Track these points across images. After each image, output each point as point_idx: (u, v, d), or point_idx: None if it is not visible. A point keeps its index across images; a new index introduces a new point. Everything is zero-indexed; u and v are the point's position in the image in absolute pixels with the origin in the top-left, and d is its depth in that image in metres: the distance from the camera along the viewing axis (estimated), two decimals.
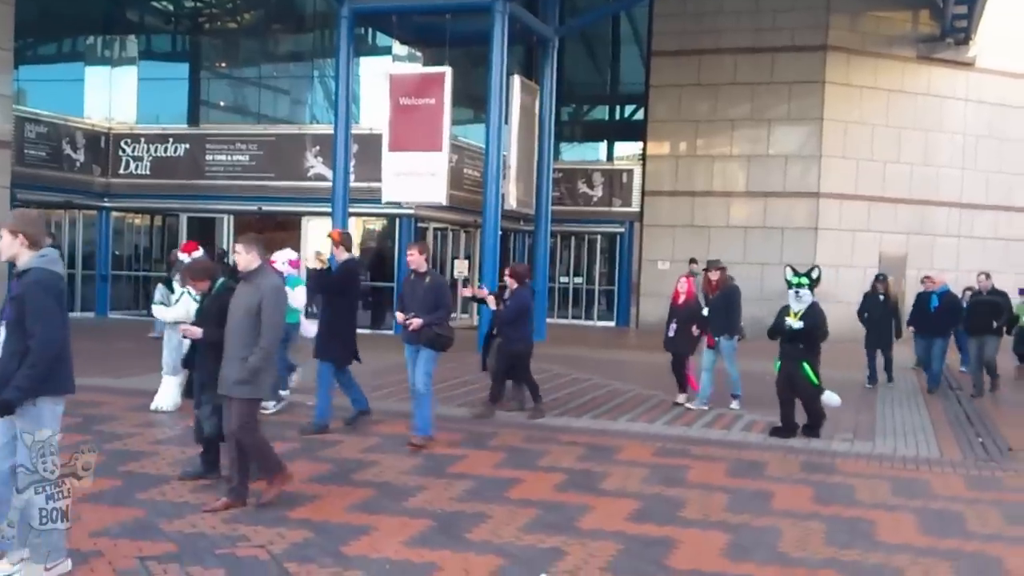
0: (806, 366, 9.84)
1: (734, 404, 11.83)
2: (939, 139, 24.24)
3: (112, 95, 23.50)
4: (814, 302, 9.93)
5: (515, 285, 10.97)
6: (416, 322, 8.95)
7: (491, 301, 11.11)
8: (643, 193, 24.82)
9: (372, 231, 22.05)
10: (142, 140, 22.18)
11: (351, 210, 18.73)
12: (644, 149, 24.98)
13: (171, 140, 22.05)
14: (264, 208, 21.35)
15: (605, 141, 26.93)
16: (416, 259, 9.25)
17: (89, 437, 8.61)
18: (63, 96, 23.01)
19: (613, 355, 17.55)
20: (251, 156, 21.36)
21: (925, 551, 6.22)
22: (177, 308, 9.87)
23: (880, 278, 15.17)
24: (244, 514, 6.54)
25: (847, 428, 10.70)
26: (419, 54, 21.99)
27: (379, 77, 19.44)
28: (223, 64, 24.87)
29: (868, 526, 6.79)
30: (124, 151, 22.18)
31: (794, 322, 9.86)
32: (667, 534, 6.43)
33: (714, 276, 12.00)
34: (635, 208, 24.96)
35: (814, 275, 9.99)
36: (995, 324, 14.01)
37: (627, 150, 26.35)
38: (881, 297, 14.80)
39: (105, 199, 22.09)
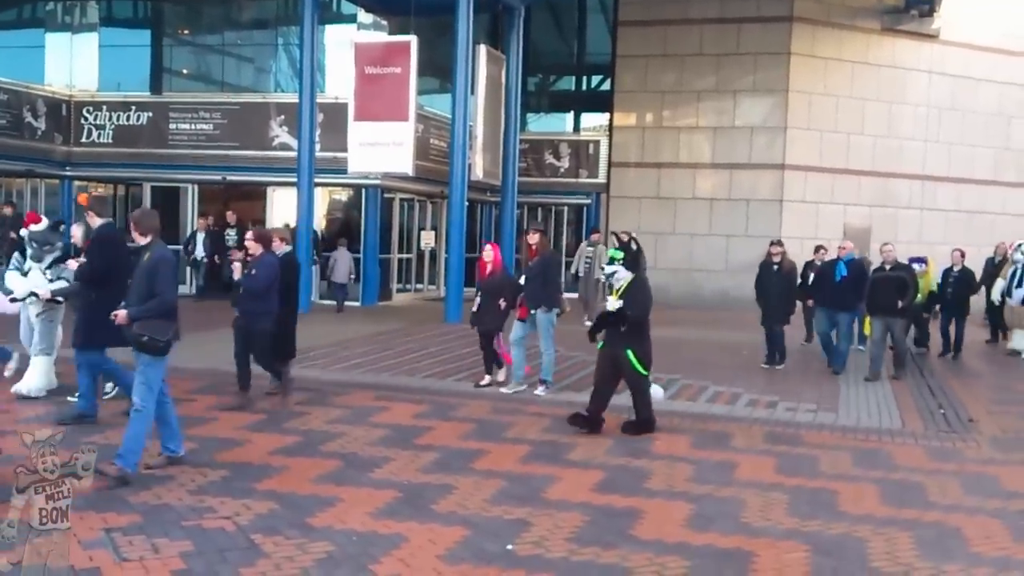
0: (630, 353, 8.60)
1: (540, 390, 10.48)
2: (903, 111, 24.42)
3: (73, 62, 23.03)
4: (636, 279, 8.63)
5: (259, 251, 9.48)
6: (121, 315, 6.79)
7: (236, 269, 9.59)
8: (609, 164, 24.80)
9: (339, 201, 21.88)
10: (104, 108, 21.80)
11: (317, 180, 18.57)
12: (610, 120, 24.94)
13: (133, 108, 21.68)
14: (229, 178, 21.09)
15: (571, 112, 26.81)
16: (133, 230, 7.03)
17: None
18: (23, 63, 22.50)
19: (578, 326, 17.56)
20: (215, 125, 21.08)
21: (886, 521, 6.33)
22: (28, 282, 9.25)
23: (775, 243, 13.53)
24: (211, 485, 6.52)
25: (810, 399, 10.83)
26: (384, 23, 21.73)
27: (344, 46, 19.22)
28: (186, 31, 24.45)
29: (830, 497, 6.89)
30: (86, 119, 21.80)
31: (612, 302, 8.65)
32: (632, 505, 6.49)
33: (532, 239, 10.73)
34: (601, 180, 24.94)
35: (633, 247, 8.70)
36: (900, 304, 12.24)
37: (593, 121, 26.27)
38: (775, 267, 13.14)
39: (67, 168, 21.70)
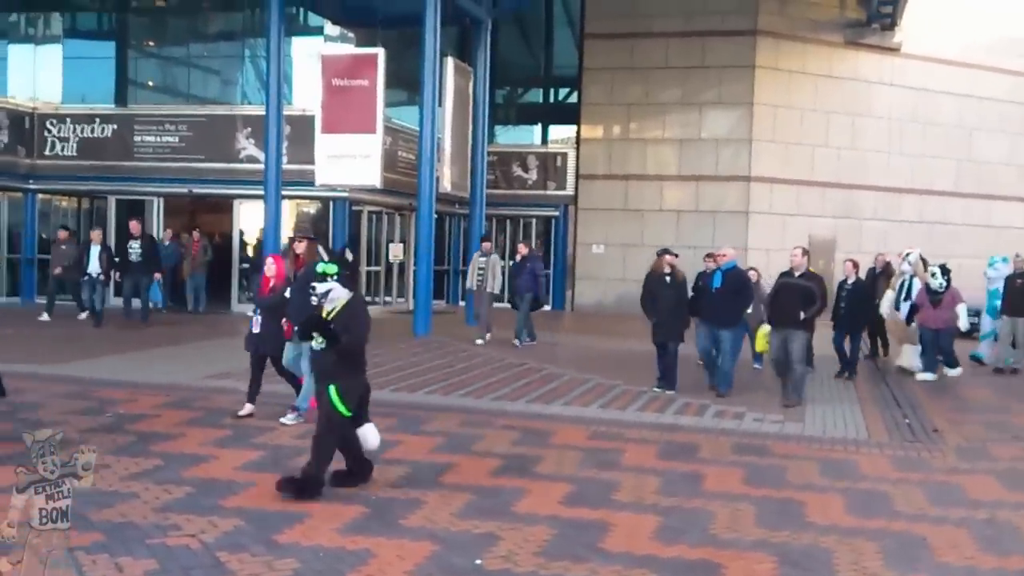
0: (333, 390, 6.80)
1: (288, 418, 9.20)
2: (866, 124, 24.72)
3: (36, 74, 22.78)
4: (352, 299, 6.96)
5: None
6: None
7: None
8: (577, 176, 24.89)
9: (306, 214, 21.78)
10: (68, 120, 21.56)
11: (284, 193, 18.46)
12: (578, 132, 25.04)
13: (98, 120, 21.47)
14: (195, 191, 20.95)
15: (539, 124, 26.89)
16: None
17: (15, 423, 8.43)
18: None
19: (548, 338, 17.60)
20: (181, 137, 20.92)
21: (853, 531, 6.38)
22: None
23: (666, 252, 12.03)
24: (176, 502, 6.45)
25: (777, 410, 10.89)
26: (351, 35, 21.70)
27: (311, 58, 19.17)
28: (151, 43, 24.25)
29: (798, 507, 6.93)
30: (50, 131, 21.55)
31: (316, 344, 6.92)
32: (600, 517, 6.49)
33: (299, 248, 9.72)
34: (569, 191, 25.03)
35: (348, 259, 7.34)
36: (803, 315, 11.05)
37: (561, 133, 26.36)
38: (668, 278, 11.75)
39: (31, 181, 21.44)
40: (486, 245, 17.10)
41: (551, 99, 27.10)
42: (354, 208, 20.56)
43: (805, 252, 11.58)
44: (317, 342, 6.86)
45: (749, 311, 12.38)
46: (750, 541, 6.11)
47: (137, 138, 21.11)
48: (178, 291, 20.22)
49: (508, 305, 18.36)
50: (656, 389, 11.74)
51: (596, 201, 24.59)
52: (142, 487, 6.77)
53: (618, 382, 12.28)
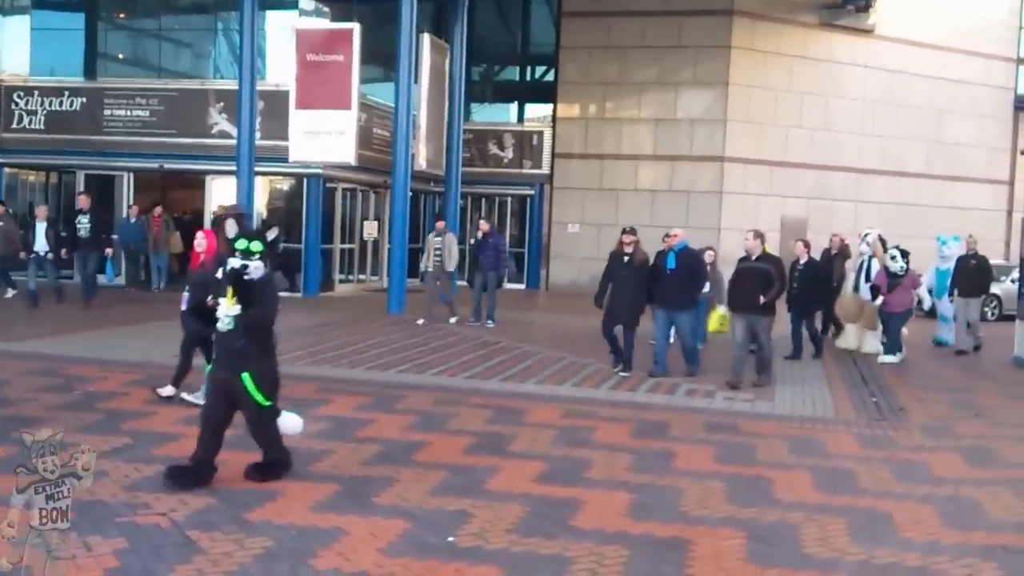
0: (247, 378, 6.41)
1: (193, 396, 8.70)
2: (839, 105, 24.85)
3: (3, 46, 22.45)
4: (266, 276, 6.49)
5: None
6: None
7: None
8: (553, 155, 24.90)
9: (280, 190, 21.65)
10: (36, 93, 21.28)
11: (257, 169, 18.34)
12: (554, 111, 25.03)
13: (67, 94, 21.21)
14: (166, 166, 20.76)
15: (515, 102, 26.83)
16: None
17: None
18: None
19: (523, 317, 17.64)
20: (152, 111, 20.70)
21: (819, 508, 6.46)
22: None
23: (627, 231, 11.72)
24: (146, 481, 6.42)
25: (747, 389, 10.97)
26: (326, 9, 21.52)
27: (285, 32, 19.02)
28: (122, 15, 23.92)
29: (766, 484, 7.01)
30: (17, 104, 21.27)
31: (228, 309, 6.38)
32: (573, 495, 6.53)
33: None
34: (545, 170, 25.03)
35: (270, 237, 6.54)
36: (763, 299, 10.88)
37: (537, 112, 26.33)
38: (626, 258, 11.47)
39: None
40: (440, 224, 16.66)
41: (527, 77, 27.04)
42: (328, 185, 20.46)
43: (758, 235, 11.36)
44: (224, 322, 6.37)
45: (706, 290, 12.37)
46: (719, 518, 6.17)
47: (107, 112, 20.87)
48: (147, 268, 20.04)
49: (467, 284, 18.02)
50: (615, 369, 11.62)
51: (571, 180, 24.60)
52: (112, 465, 6.73)
53: (591, 360, 12.33)
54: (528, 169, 25.21)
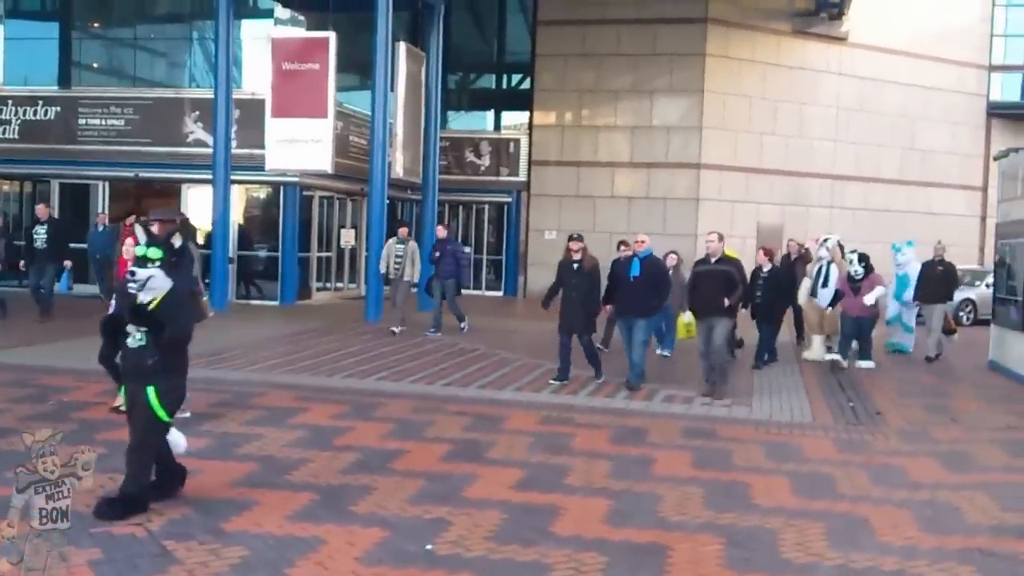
0: (151, 391, 6.00)
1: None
2: (813, 112, 25.06)
3: None
4: (175, 287, 6.05)
5: None
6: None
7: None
8: (530, 163, 24.95)
9: (257, 199, 21.55)
10: (10, 103, 21.12)
11: (233, 177, 18.27)
12: (531, 119, 25.08)
13: (41, 103, 21.06)
14: (141, 175, 20.61)
15: (492, 110, 26.88)
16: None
17: None
18: None
19: (500, 324, 17.63)
20: (127, 120, 20.57)
21: (797, 513, 6.48)
22: None
23: (574, 237, 11.64)
24: None
25: (720, 395, 10.98)
26: (302, 18, 21.47)
27: (261, 40, 18.94)
28: (96, 24, 23.77)
29: (744, 490, 7.02)
30: None
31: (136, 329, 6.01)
32: (551, 502, 6.53)
33: (157, 230, 8.18)
34: (522, 178, 25.08)
35: (176, 245, 6.16)
36: (727, 301, 10.65)
37: (514, 119, 26.39)
38: (575, 265, 11.38)
39: None
40: (402, 230, 15.93)
41: (504, 85, 27.09)
42: (305, 193, 20.39)
43: (721, 238, 11.06)
44: (135, 338, 6.00)
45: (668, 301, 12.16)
46: (697, 523, 6.18)
47: (82, 121, 20.73)
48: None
49: (426, 292, 16.65)
50: (553, 381, 11.28)
51: (548, 187, 24.66)
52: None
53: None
54: (505, 176, 25.24)
